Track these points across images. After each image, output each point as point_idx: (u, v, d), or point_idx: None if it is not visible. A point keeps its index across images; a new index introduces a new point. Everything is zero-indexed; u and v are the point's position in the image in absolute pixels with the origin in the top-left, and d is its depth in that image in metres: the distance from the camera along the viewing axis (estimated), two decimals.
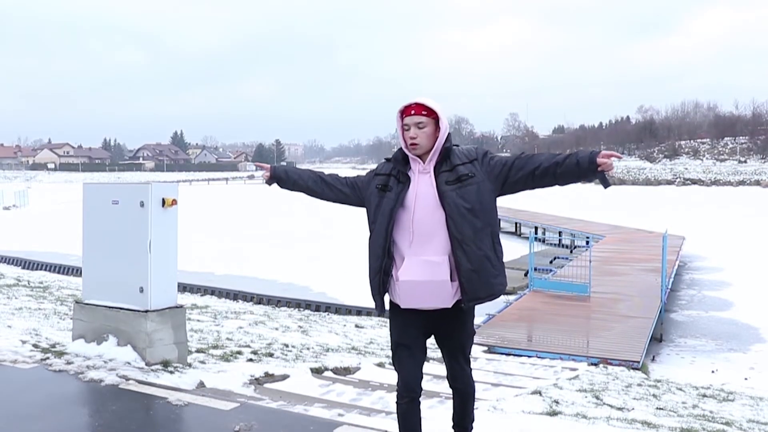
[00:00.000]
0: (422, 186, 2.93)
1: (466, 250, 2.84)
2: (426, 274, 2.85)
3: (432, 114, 2.91)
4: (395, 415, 3.14)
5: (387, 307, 3.09)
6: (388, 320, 3.14)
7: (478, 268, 2.85)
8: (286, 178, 3.32)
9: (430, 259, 2.86)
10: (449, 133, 2.98)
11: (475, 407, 3.27)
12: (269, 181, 3.36)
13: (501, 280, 2.98)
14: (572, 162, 2.82)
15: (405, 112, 2.94)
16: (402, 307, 2.95)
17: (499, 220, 36.05)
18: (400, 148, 3.01)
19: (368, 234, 3.07)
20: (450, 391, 3.23)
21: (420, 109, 2.92)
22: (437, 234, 2.87)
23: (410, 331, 3.00)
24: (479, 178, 2.90)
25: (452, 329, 3.04)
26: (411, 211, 2.90)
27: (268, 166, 3.38)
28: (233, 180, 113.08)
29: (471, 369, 3.18)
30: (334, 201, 3.27)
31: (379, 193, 2.99)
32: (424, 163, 2.96)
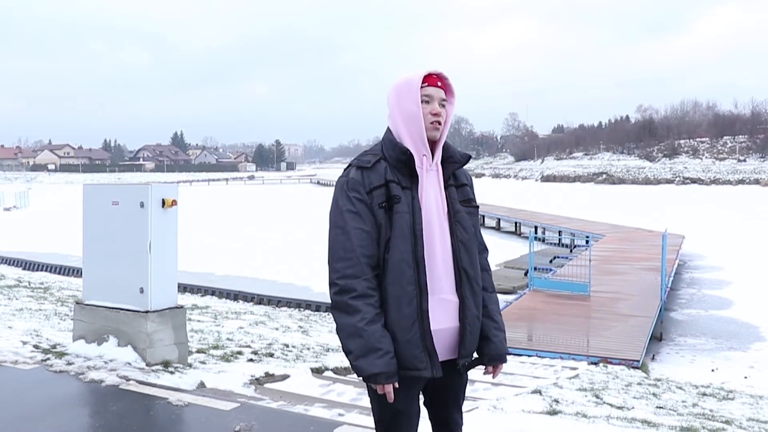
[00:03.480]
0: (429, 193, 2.20)
1: (476, 290, 2.22)
2: (444, 320, 2.17)
3: (450, 94, 2.28)
4: None
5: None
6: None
7: (480, 315, 2.26)
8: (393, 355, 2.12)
9: (447, 299, 2.18)
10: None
11: None
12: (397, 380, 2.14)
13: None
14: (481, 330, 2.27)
15: (428, 81, 2.22)
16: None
17: (499, 219, 35.85)
18: (386, 142, 2.25)
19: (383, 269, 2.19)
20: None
21: (444, 83, 2.25)
22: (446, 262, 2.18)
23: (411, 392, 2.23)
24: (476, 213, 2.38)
25: (453, 382, 2.32)
26: (427, 226, 2.17)
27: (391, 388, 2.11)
28: (233, 180, 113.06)
29: (463, 421, 2.48)
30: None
31: (386, 214, 2.15)
32: (433, 158, 2.23)
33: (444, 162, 2.26)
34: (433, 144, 2.23)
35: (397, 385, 2.10)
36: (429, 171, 2.21)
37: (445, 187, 2.24)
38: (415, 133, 2.19)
